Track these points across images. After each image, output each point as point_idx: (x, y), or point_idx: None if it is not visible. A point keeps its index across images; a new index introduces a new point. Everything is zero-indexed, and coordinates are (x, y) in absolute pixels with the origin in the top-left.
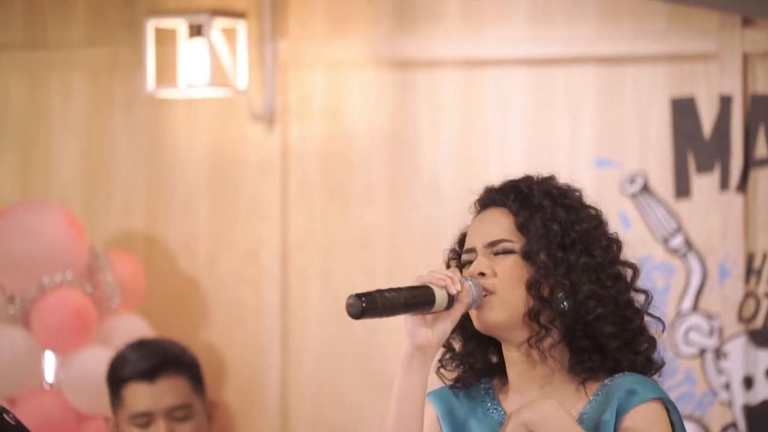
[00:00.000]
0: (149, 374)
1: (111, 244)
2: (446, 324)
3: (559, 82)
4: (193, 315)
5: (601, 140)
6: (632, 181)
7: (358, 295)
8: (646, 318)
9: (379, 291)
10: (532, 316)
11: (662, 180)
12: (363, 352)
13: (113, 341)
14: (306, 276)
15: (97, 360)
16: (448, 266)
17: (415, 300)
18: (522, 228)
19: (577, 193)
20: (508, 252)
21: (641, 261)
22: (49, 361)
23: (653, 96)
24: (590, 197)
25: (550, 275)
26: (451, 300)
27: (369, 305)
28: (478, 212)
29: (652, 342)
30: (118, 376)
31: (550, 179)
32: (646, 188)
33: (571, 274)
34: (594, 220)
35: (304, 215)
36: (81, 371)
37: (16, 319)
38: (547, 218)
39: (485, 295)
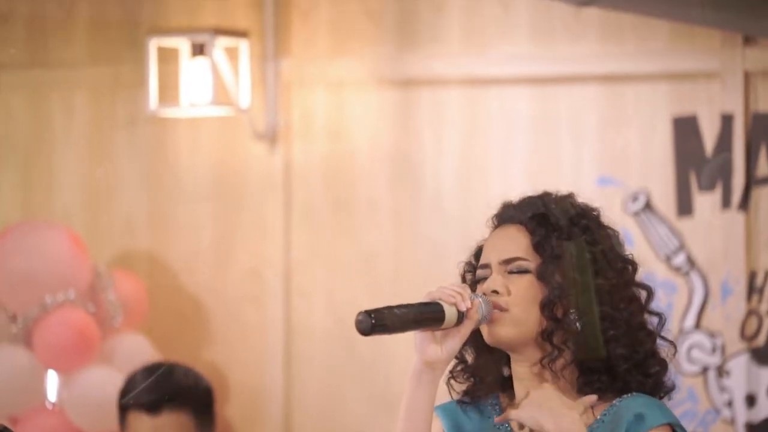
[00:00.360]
0: (152, 407)
1: (113, 262)
2: (455, 340)
3: (561, 100)
4: (196, 333)
5: (604, 159)
6: (635, 199)
7: (368, 312)
8: (658, 341)
9: (389, 307)
10: (545, 336)
11: (664, 198)
12: (366, 370)
13: (116, 360)
14: (309, 294)
15: (99, 379)
16: (463, 278)
17: (424, 316)
18: (538, 247)
19: (594, 213)
20: (523, 271)
21: (643, 279)
22: (52, 381)
23: (655, 114)
24: (607, 216)
25: (563, 296)
26: (461, 316)
27: (378, 322)
28: (495, 227)
29: (663, 365)
30: (124, 401)
31: (569, 197)
32: (648, 206)
33: (585, 295)
34: (610, 241)
35: (307, 233)
36: (83, 390)
37: (19, 338)
38: (564, 238)
39: (496, 310)
